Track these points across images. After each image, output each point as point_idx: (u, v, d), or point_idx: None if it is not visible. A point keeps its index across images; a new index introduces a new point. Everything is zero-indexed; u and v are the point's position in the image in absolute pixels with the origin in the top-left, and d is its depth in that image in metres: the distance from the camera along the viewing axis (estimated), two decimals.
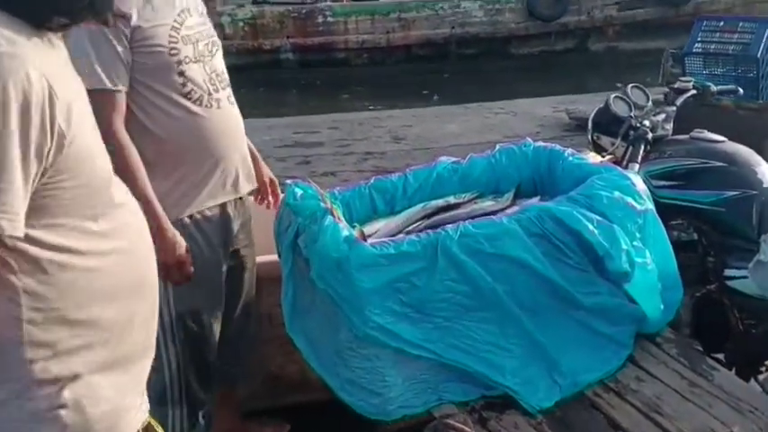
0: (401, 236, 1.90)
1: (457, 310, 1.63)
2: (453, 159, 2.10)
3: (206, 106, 1.81)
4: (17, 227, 0.91)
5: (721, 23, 3.91)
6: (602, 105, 2.58)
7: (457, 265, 1.60)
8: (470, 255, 1.60)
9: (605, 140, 2.50)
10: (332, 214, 1.71)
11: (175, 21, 1.77)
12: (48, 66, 0.94)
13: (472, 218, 1.89)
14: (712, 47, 3.89)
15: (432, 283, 1.60)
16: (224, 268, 1.94)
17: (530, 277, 1.65)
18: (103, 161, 1.06)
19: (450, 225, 1.67)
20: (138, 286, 1.09)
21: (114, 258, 1.04)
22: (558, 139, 5.84)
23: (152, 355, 1.16)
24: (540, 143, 2.11)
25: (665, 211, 2.04)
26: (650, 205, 1.79)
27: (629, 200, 1.73)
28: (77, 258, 0.99)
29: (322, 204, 1.76)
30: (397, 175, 2.06)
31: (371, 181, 2.04)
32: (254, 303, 2.10)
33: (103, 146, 1.08)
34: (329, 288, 1.61)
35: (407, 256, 1.58)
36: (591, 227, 1.63)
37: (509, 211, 1.87)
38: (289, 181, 1.92)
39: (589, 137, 2.59)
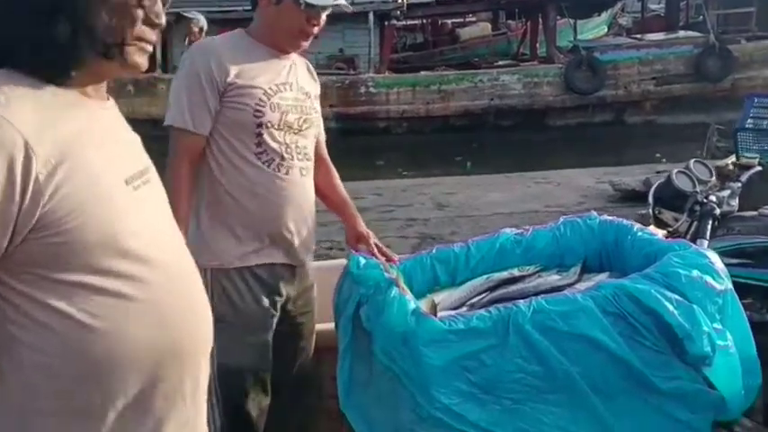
0: (464, 309, 1.85)
1: (527, 392, 1.54)
2: (516, 231, 2.06)
3: (274, 170, 1.89)
4: None
5: None
6: (662, 180, 2.53)
7: (529, 343, 1.53)
8: (543, 332, 1.53)
9: (668, 215, 2.44)
10: (397, 285, 1.66)
11: (271, 88, 1.88)
12: (35, 115, 0.89)
13: (539, 293, 1.84)
14: (765, 123, 3.86)
15: (502, 362, 1.52)
16: (271, 330, 1.92)
17: (605, 359, 1.56)
18: (128, 211, 0.97)
19: (520, 300, 1.61)
20: (164, 352, 0.98)
21: (123, 320, 0.94)
22: (603, 210, 5.71)
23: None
24: (606, 217, 2.06)
25: (736, 291, 1.94)
26: (729, 285, 1.71)
27: (709, 279, 1.65)
28: (76, 318, 0.91)
29: (386, 275, 1.72)
30: (459, 246, 2.02)
31: (433, 251, 2.00)
32: (310, 374, 2.04)
33: (138, 199, 1.00)
34: (393, 364, 1.55)
35: (477, 332, 1.52)
36: (670, 307, 1.55)
37: (579, 286, 1.80)
38: (353, 252, 1.90)
39: (650, 211, 2.52)
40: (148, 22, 0.98)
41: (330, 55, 11.99)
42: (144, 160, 1.07)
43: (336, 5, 1.89)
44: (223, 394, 1.83)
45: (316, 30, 1.89)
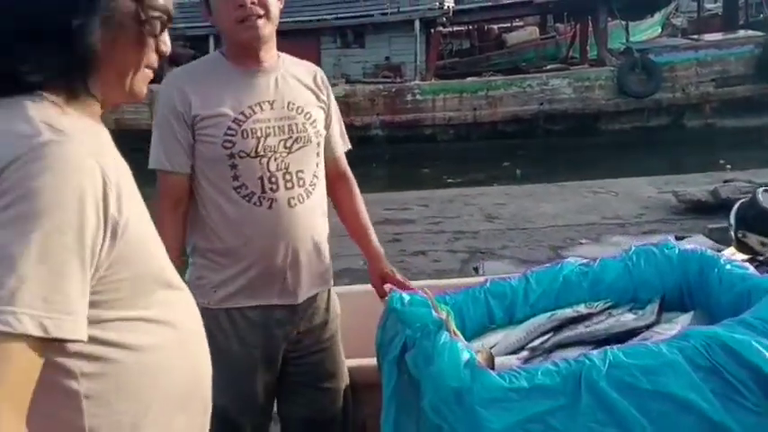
0: (525, 353, 1.62)
1: None
2: (582, 261, 1.82)
3: (255, 203, 1.69)
4: (79, 329, 0.83)
5: None
6: (746, 199, 2.26)
7: (605, 403, 1.29)
8: (622, 391, 1.29)
9: (753, 239, 2.17)
10: (447, 328, 1.45)
11: (242, 113, 1.68)
12: (94, 145, 0.87)
13: (612, 336, 1.60)
14: None
15: (573, 426, 1.29)
16: (265, 374, 1.76)
17: (696, 421, 1.31)
18: (156, 240, 0.98)
19: (592, 350, 1.38)
20: (193, 381, 1.02)
21: (170, 350, 0.97)
22: (666, 222, 5.43)
23: None
24: (687, 245, 1.80)
25: None
26: None
27: None
28: (137, 354, 0.92)
29: (434, 314, 1.51)
30: (516, 278, 1.79)
31: (487, 284, 1.78)
32: (344, 413, 1.85)
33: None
34: (444, 423, 1.33)
35: (543, 390, 1.29)
36: None
37: (659, 329, 1.56)
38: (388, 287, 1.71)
39: (732, 234, 2.25)
40: (158, 50, 1.00)
41: (376, 63, 11.89)
42: None
43: None
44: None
45: (247, 10, 1.63)
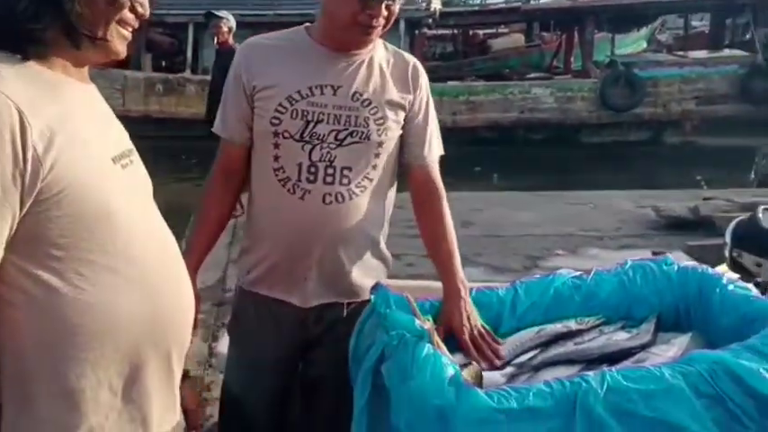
0: (511, 369, 1.50)
1: None
2: (575, 273, 1.71)
3: (288, 190, 1.57)
4: None
5: None
6: (743, 217, 2.18)
7: (600, 430, 1.18)
8: (619, 418, 1.18)
9: (749, 260, 2.08)
10: (431, 339, 1.33)
11: (300, 92, 1.55)
12: (28, 90, 0.92)
13: (605, 355, 1.49)
14: None
15: None
16: (269, 374, 1.66)
17: None
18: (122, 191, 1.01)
19: (589, 372, 1.26)
20: (153, 323, 1.03)
21: (119, 293, 0.99)
22: (643, 237, 5.37)
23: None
24: (687, 263, 1.70)
25: None
26: None
27: None
28: (76, 293, 0.95)
29: (417, 323, 1.38)
30: (504, 288, 1.67)
31: (472, 292, 1.66)
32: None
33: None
34: None
35: (535, 413, 1.17)
36: None
37: (656, 350, 1.45)
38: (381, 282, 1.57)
39: (726, 253, 2.16)
40: (133, 10, 1.02)
41: None
42: (127, 142, 1.09)
43: None
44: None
45: (374, 21, 1.51)
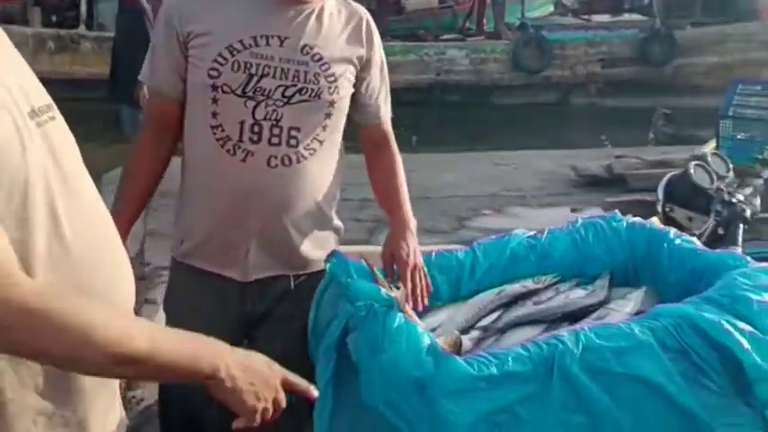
0: (476, 333, 1.49)
1: None
2: (530, 233, 1.71)
3: (227, 151, 1.44)
4: None
5: (758, 87, 3.70)
6: (676, 172, 2.25)
7: (576, 389, 1.18)
8: (594, 375, 1.19)
9: (680, 214, 2.16)
10: (401, 309, 1.28)
11: (242, 41, 1.40)
12: None
13: (566, 314, 1.51)
14: (748, 111, 3.66)
15: (542, 415, 1.17)
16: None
17: (662, 405, 1.24)
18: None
19: (554, 331, 1.27)
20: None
21: None
22: (564, 195, 5.56)
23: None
24: (633, 219, 1.73)
25: None
26: None
27: None
28: None
29: (384, 291, 1.33)
30: (463, 251, 1.65)
31: (432, 257, 1.62)
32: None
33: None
34: (398, 418, 1.17)
35: (514, 378, 1.16)
36: (745, 343, 1.25)
37: (616, 307, 1.48)
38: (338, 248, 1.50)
39: (659, 208, 2.24)
40: None
41: None
42: (46, 97, 0.94)
43: None
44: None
45: None
